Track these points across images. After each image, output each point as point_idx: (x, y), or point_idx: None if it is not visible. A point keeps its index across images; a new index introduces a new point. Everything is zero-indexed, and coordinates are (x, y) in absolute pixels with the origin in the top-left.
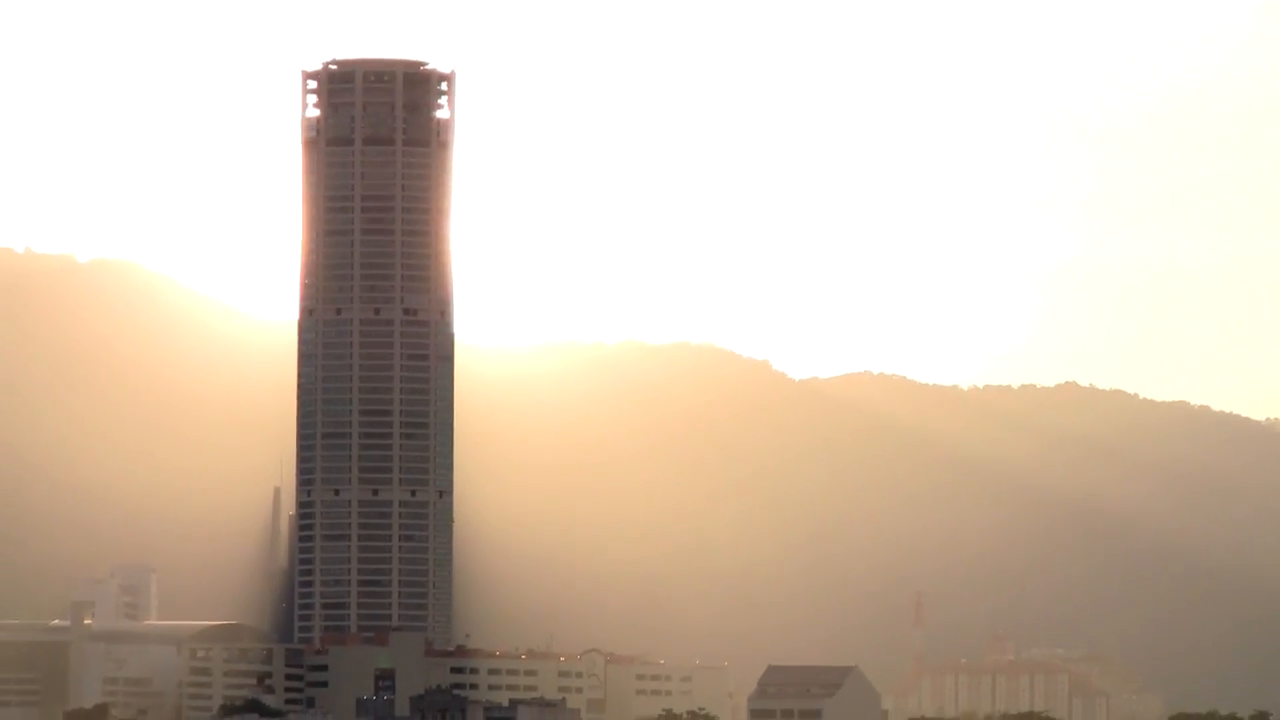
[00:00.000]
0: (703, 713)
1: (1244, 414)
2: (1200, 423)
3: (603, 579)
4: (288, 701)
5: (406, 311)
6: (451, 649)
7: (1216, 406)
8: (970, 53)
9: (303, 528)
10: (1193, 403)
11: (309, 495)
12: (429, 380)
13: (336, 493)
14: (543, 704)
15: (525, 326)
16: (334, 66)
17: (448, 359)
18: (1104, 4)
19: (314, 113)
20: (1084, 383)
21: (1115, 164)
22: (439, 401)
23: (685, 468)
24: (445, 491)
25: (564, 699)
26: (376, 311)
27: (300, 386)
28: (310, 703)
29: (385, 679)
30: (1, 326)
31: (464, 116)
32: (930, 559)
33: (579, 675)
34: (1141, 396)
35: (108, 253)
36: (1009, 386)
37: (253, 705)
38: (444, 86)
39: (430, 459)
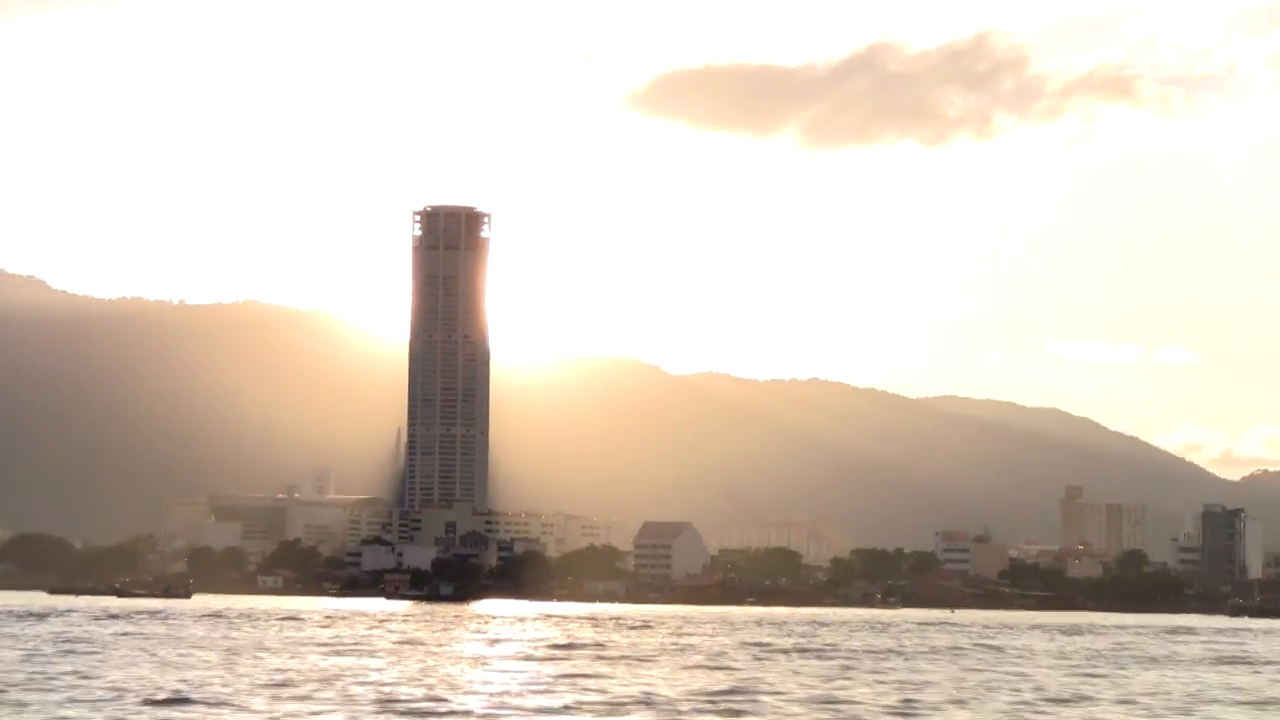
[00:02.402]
0: (608, 546)
1: (901, 393)
2: (885, 399)
3: (569, 476)
4: (400, 538)
5: (465, 337)
6: (485, 511)
7: (892, 390)
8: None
9: (410, 448)
10: (878, 388)
11: (413, 431)
12: (476, 374)
13: (428, 429)
14: (528, 541)
15: (530, 347)
16: (429, 208)
17: (486, 363)
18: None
19: (418, 231)
20: (824, 378)
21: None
22: (480, 385)
23: (617, 423)
24: (484, 431)
25: (539, 538)
26: (449, 336)
27: (410, 375)
28: (411, 538)
29: (450, 527)
30: (257, 348)
31: (497, 234)
32: (743, 472)
33: (551, 526)
34: (851, 385)
35: (315, 306)
36: (782, 379)
37: (379, 540)
38: (486, 220)
39: (476, 414)
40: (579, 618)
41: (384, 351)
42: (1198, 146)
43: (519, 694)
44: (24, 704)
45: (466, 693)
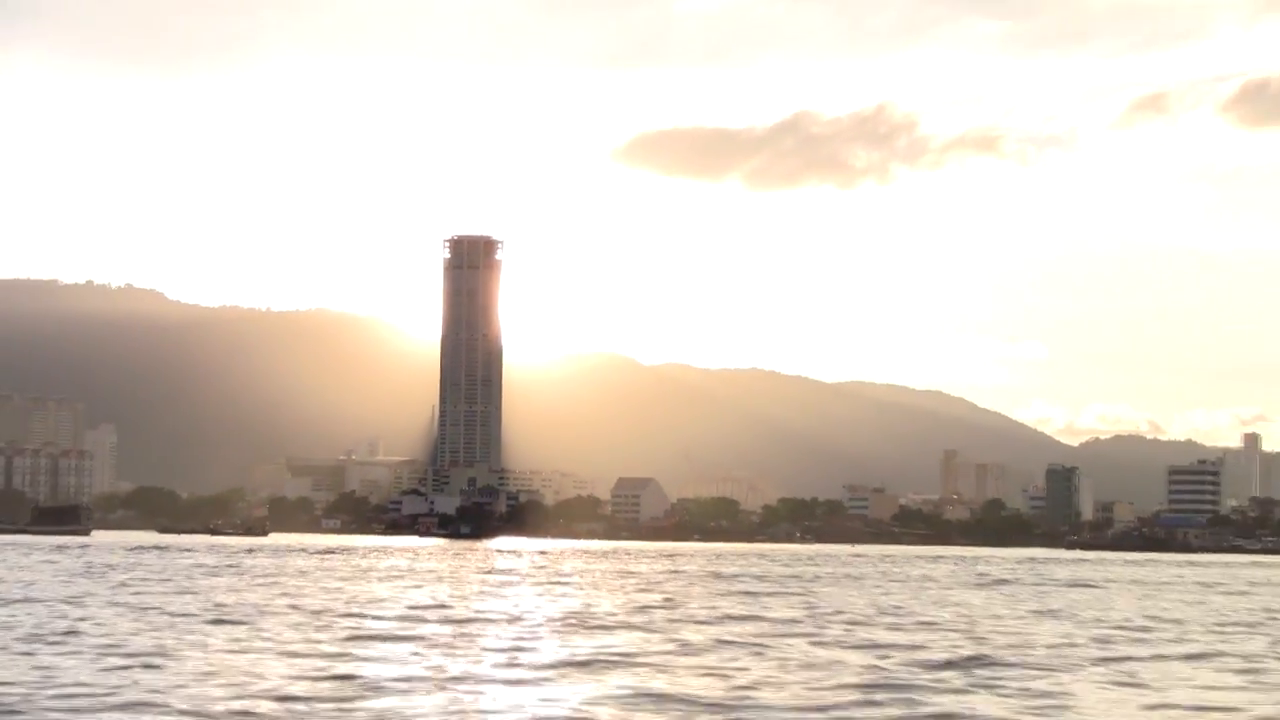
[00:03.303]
0: (592, 496)
1: (819, 378)
2: (807, 383)
3: (563, 442)
4: (433, 490)
5: (483, 336)
6: (498, 469)
7: (812, 376)
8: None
9: (441, 421)
10: (802, 375)
11: (444, 408)
12: (491, 364)
13: (455, 407)
14: (530, 492)
15: (534, 344)
16: (456, 236)
17: (499, 356)
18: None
19: (447, 254)
20: (761, 368)
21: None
22: (495, 373)
23: (601, 401)
24: (498, 408)
25: (539, 490)
26: (471, 335)
27: (441, 365)
28: (440, 490)
29: (471, 481)
30: (325, 345)
31: (508, 256)
32: (697, 439)
33: (549, 481)
34: (780, 373)
35: (369, 313)
36: (729, 368)
37: (416, 491)
38: (500, 246)
39: (492, 395)
40: (563, 551)
41: (421, 349)
42: (1046, 189)
43: (483, 608)
44: (67, 614)
45: (441, 605)
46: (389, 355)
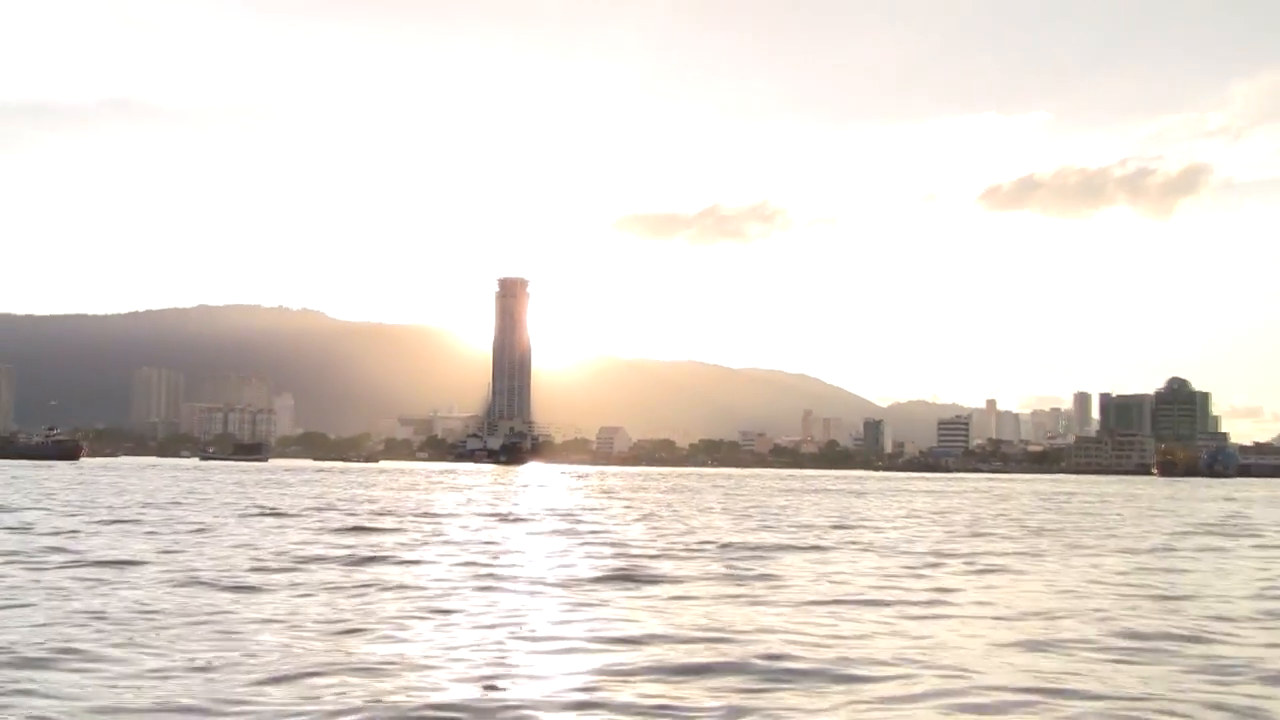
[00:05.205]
0: (584, 438)
1: (729, 365)
2: (719, 369)
3: (566, 406)
4: (487, 435)
5: (519, 343)
6: (527, 421)
7: (724, 364)
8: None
9: (493, 393)
10: (719, 364)
11: (493, 387)
12: (525, 361)
13: (501, 385)
14: (546, 435)
15: (552, 350)
16: (504, 277)
17: (529, 356)
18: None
19: (497, 289)
20: (695, 360)
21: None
22: (526, 367)
23: (593, 381)
24: (528, 386)
25: (551, 434)
26: (512, 343)
27: (493, 360)
28: (491, 434)
29: (510, 429)
30: (422, 348)
31: (535, 291)
32: (653, 404)
33: (558, 429)
34: (704, 362)
35: (445, 327)
36: (677, 360)
37: (475, 435)
38: (530, 285)
39: (525, 378)
40: (563, 473)
41: (481, 351)
42: (869, 249)
43: (500, 511)
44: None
45: (458, 506)
46: (461, 354)
